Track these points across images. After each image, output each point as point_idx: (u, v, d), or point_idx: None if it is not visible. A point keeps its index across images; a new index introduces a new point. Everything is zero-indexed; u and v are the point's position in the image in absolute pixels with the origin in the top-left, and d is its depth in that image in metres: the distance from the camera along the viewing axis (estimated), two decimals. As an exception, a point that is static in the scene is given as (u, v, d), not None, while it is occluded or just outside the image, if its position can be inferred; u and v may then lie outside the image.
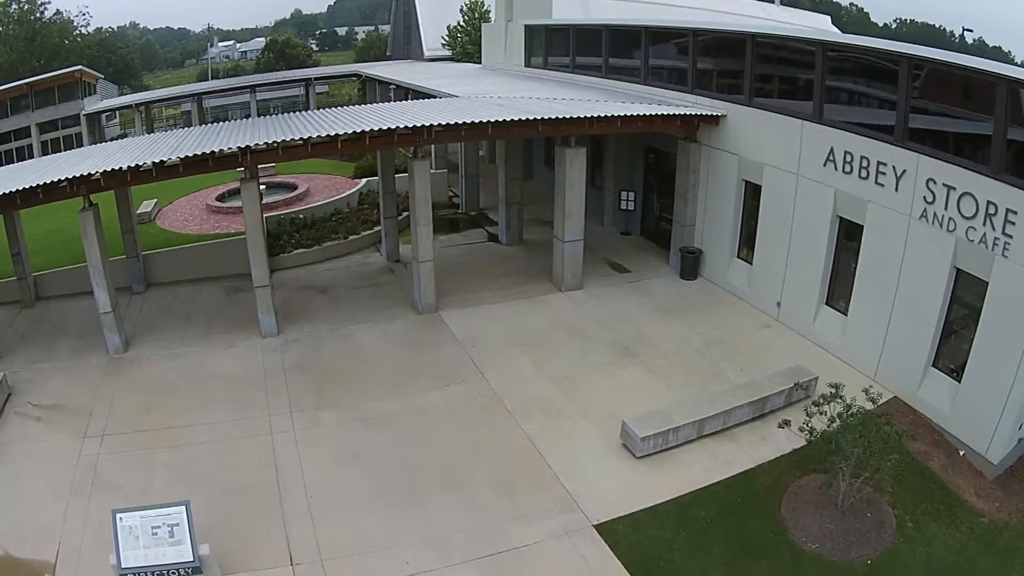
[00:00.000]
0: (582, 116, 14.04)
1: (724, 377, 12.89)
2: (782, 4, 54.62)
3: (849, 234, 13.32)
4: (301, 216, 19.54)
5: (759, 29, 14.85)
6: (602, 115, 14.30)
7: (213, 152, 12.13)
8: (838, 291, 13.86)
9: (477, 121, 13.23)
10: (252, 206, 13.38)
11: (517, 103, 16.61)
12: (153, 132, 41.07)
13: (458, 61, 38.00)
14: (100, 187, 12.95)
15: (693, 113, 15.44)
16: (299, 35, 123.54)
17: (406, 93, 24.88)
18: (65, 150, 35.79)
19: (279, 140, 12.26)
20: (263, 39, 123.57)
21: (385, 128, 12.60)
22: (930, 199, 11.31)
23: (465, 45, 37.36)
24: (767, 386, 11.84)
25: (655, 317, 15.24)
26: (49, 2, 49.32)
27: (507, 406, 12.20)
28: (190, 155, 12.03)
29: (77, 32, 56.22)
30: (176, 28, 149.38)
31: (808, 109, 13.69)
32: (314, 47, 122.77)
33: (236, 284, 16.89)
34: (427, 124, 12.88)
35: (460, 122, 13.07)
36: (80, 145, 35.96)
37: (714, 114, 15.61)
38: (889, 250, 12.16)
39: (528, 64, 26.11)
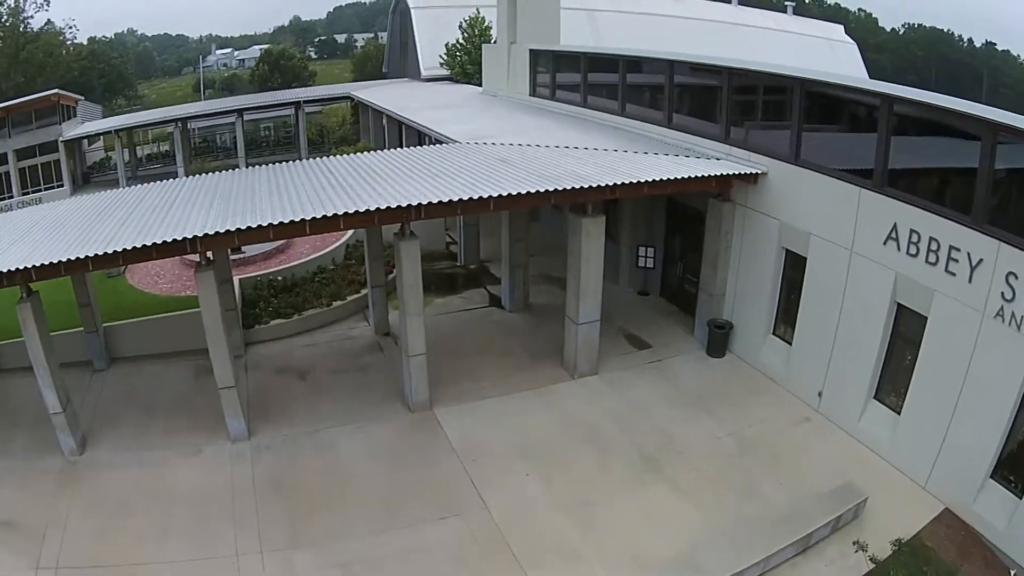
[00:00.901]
0: (603, 184, 11.81)
1: (760, 493, 10.88)
2: (794, 13, 52.55)
3: (909, 324, 11.20)
4: (280, 277, 17.34)
5: (810, 75, 12.59)
6: (626, 181, 12.06)
7: (155, 243, 9.94)
8: (890, 385, 11.76)
9: (476, 197, 11.02)
10: (210, 301, 11.17)
11: (524, 155, 14.41)
12: (137, 153, 38.99)
13: (456, 81, 35.76)
14: (33, 279, 10.85)
15: (731, 173, 13.21)
16: (297, 42, 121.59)
17: (400, 128, 22.68)
18: (44, 178, 33.79)
19: (233, 228, 10.07)
20: (261, 47, 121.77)
21: (363, 210, 10.41)
22: (1009, 296, 9.33)
23: (464, 65, 35.07)
24: (812, 515, 10.01)
25: (681, 412, 13.04)
26: (32, 17, 47.04)
27: (512, 547, 10.01)
28: (128, 248, 9.85)
29: (66, 45, 54.04)
30: (175, 35, 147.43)
31: (869, 174, 11.49)
32: (312, 55, 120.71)
33: (206, 363, 14.64)
34: (415, 204, 10.67)
35: (456, 199, 10.86)
36: (59, 174, 33.86)
37: (753, 172, 13.40)
38: (955, 348, 10.15)
39: (533, 92, 23.89)
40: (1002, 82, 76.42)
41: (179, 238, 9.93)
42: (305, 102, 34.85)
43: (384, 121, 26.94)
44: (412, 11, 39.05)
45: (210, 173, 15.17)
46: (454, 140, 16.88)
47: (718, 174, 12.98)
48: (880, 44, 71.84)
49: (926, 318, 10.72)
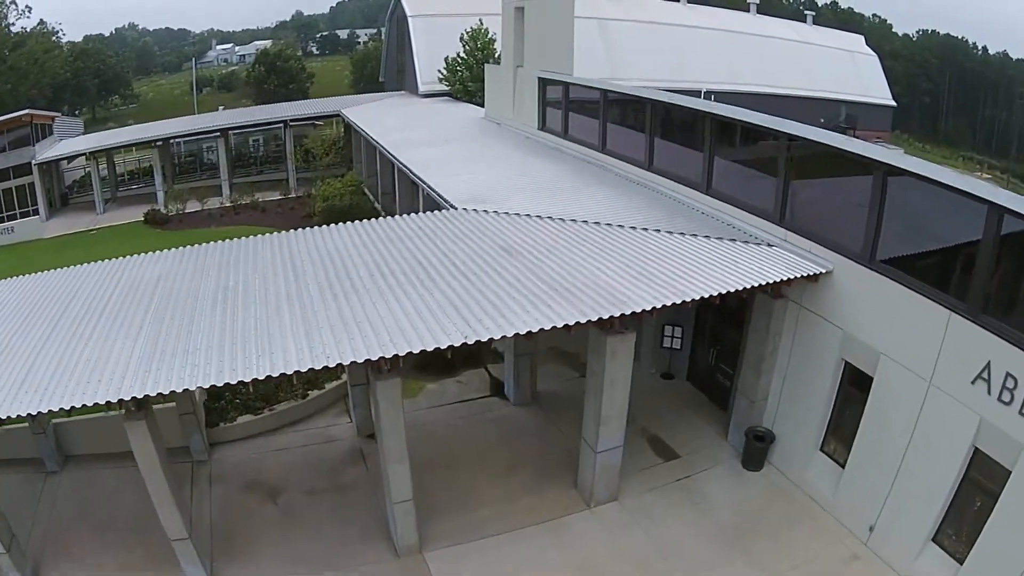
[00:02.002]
0: (639, 310, 9.39)
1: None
2: (814, 23, 49.77)
3: (988, 473, 8.99)
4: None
5: (898, 161, 10.08)
6: (667, 303, 9.62)
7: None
8: (954, 531, 9.56)
9: (471, 340, 8.61)
10: (147, 454, 8.80)
11: (535, 241, 11.97)
12: (117, 169, 36.39)
13: (456, 99, 33.16)
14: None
15: (792, 277, 10.77)
16: (299, 38, 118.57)
17: (392, 167, 20.22)
18: (19, 202, 31.31)
19: (175, 389, 7.71)
20: (263, 42, 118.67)
21: (319, 367, 8.02)
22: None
23: (465, 82, 32.45)
24: None
25: (715, 553, 10.69)
26: (13, 24, 44.35)
27: None
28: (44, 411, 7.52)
29: (52, 52, 51.32)
30: (176, 29, 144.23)
31: (963, 295, 9.10)
32: (314, 51, 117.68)
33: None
34: (389, 356, 8.26)
35: (445, 345, 8.46)
36: (34, 197, 31.41)
37: (815, 273, 10.99)
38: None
39: (543, 127, 21.39)
40: (1018, 92, 73.63)
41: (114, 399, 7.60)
42: (292, 121, 32.25)
43: (377, 152, 24.42)
44: (409, 20, 36.33)
45: (154, 253, 12.72)
46: (450, 203, 14.44)
47: (778, 280, 10.55)
48: (894, 51, 69.00)
49: (1010, 471, 8.55)
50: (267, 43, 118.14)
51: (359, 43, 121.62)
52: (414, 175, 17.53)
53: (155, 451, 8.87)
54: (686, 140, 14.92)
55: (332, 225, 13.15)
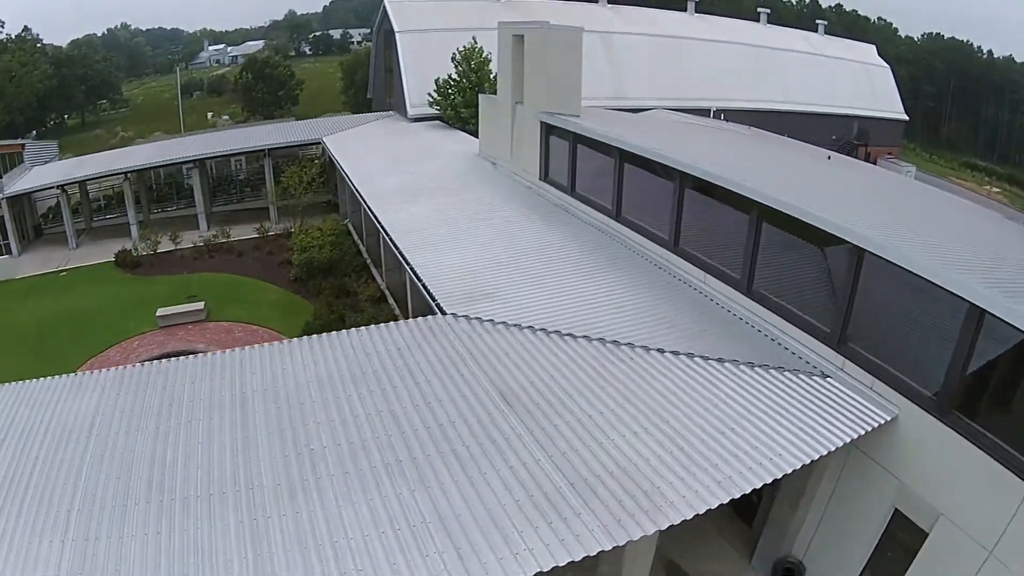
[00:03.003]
0: (679, 520, 6.97)
1: None
2: (826, 33, 47.09)
3: None
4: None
5: (991, 305, 7.65)
6: (711, 505, 7.19)
7: None
8: None
9: None
10: None
11: (535, 369, 9.50)
12: (91, 199, 33.67)
13: (449, 124, 30.46)
14: None
15: (857, 434, 8.36)
16: (292, 38, 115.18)
17: (377, 230, 17.65)
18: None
19: None
20: (255, 42, 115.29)
21: None
22: None
23: (458, 107, 29.73)
24: None
25: None
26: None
27: None
28: None
29: (30, 66, 48.25)
30: (169, 28, 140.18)
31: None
32: (307, 51, 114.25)
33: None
34: None
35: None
36: (4, 232, 28.70)
37: (876, 422, 8.59)
38: None
39: (545, 178, 18.78)
40: (1021, 96, 71.25)
41: None
42: (271, 150, 29.53)
43: (361, 212, 21.81)
44: (397, 35, 33.44)
45: (93, 374, 10.13)
46: (438, 303, 11.90)
47: (837, 446, 8.13)
48: (899, 55, 66.32)
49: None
50: (260, 43, 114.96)
51: (352, 43, 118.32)
52: (399, 251, 14.94)
53: None
54: (722, 223, 12.33)
55: (290, 342, 10.61)
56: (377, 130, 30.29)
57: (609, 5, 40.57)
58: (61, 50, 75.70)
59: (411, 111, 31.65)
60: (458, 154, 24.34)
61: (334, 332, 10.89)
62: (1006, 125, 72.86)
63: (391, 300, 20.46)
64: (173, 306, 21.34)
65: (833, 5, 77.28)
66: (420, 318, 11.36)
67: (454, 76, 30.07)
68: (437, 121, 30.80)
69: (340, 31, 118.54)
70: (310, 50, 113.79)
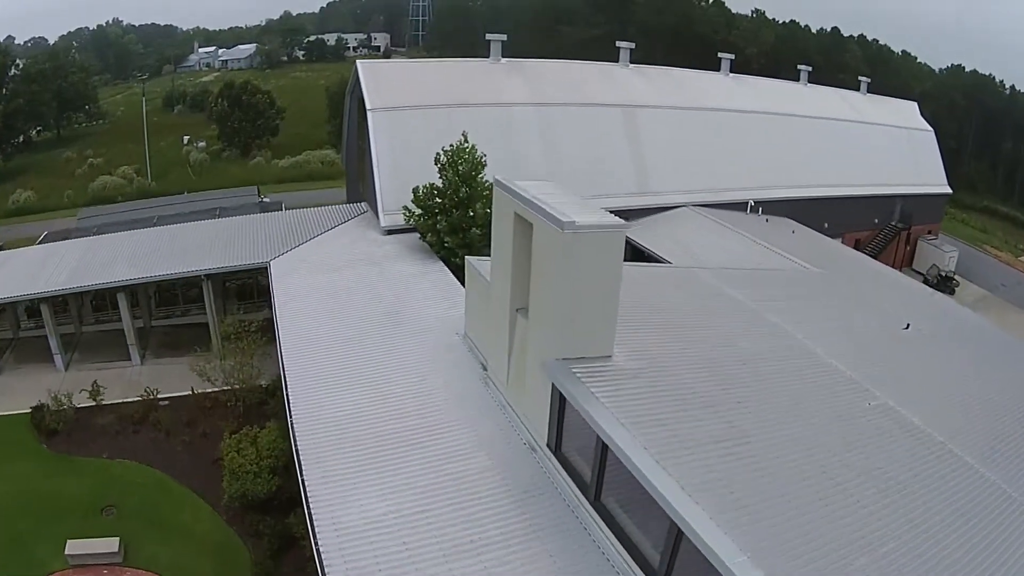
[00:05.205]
0: None
1: None
2: (868, 92, 40.13)
3: None
4: None
5: None
6: None
7: None
8: None
9: None
10: None
11: None
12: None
13: (430, 244, 23.31)
14: None
15: None
16: (285, 43, 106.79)
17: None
18: None
19: None
20: (247, 46, 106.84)
21: None
22: None
23: (442, 233, 22.66)
24: None
25: None
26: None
27: None
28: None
29: None
30: (163, 25, 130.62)
31: None
32: (300, 56, 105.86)
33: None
34: None
35: None
36: None
37: None
38: None
39: (557, 451, 12.19)
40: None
41: None
42: (209, 275, 22.70)
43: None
44: (369, 115, 26.17)
45: None
46: None
47: None
48: (924, 92, 59.44)
49: None
50: (251, 47, 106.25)
51: (348, 48, 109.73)
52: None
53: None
54: None
55: None
56: (340, 254, 23.17)
57: (632, 66, 33.46)
58: (34, 62, 67.72)
59: (384, 220, 24.77)
60: (435, 329, 17.61)
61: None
62: (1028, 164, 66.38)
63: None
64: (85, 540, 15.99)
65: (856, 35, 69.91)
66: None
67: (438, 185, 22.98)
68: (415, 235, 23.85)
69: (335, 36, 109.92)
70: (303, 55, 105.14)
